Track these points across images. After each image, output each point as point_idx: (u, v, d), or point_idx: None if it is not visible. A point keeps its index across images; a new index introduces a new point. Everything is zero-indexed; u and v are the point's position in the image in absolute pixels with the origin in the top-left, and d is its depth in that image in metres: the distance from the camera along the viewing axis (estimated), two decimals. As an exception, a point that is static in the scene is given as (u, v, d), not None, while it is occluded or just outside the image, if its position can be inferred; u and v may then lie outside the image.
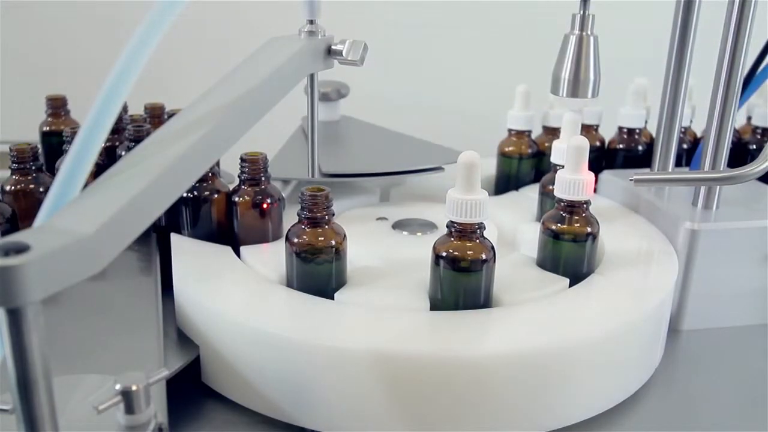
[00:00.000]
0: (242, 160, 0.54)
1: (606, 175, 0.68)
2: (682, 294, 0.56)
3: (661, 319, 0.50)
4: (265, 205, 0.55)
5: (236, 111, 0.37)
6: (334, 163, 0.65)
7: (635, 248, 0.55)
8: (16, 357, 0.25)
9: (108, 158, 0.64)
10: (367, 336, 0.43)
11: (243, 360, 0.45)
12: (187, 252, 0.54)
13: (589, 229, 0.50)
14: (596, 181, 0.63)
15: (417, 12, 1.08)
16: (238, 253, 0.54)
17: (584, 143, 0.49)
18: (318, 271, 0.48)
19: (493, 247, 0.46)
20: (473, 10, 1.09)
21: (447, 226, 0.46)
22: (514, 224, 0.61)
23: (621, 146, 0.73)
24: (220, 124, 0.36)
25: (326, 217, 0.48)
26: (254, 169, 0.54)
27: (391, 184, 0.70)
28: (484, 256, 0.45)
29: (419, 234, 0.58)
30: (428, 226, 0.59)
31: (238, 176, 0.55)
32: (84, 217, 0.28)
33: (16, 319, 0.25)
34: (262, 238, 0.55)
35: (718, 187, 0.57)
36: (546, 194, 0.61)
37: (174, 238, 0.55)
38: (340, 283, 0.49)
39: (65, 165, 0.31)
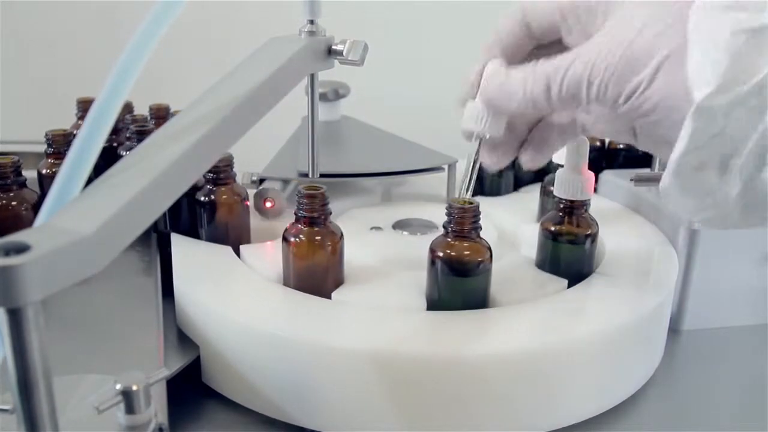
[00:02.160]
0: (299, 194, 0.48)
1: (606, 175, 0.68)
2: (682, 294, 0.56)
3: (661, 319, 0.50)
4: (328, 245, 0.48)
5: (236, 111, 0.37)
6: (334, 163, 0.65)
7: (635, 248, 0.55)
8: (16, 357, 0.25)
9: (107, 158, 0.64)
10: (367, 336, 0.43)
11: (243, 360, 0.45)
12: (187, 252, 0.54)
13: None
14: (596, 181, 0.62)
15: (417, 12, 1.08)
16: (238, 253, 0.54)
17: (584, 142, 0.49)
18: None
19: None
20: (474, 10, 1.08)
21: (555, 203, 0.48)
22: (514, 224, 0.61)
23: (621, 146, 0.73)
24: (220, 124, 0.36)
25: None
26: (312, 207, 0.47)
27: (391, 184, 0.70)
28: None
29: (419, 234, 0.58)
30: (428, 226, 0.59)
31: (295, 213, 0.48)
32: (84, 217, 0.28)
33: (16, 319, 0.25)
34: (321, 280, 0.49)
35: (750, 201, 0.57)
36: (547, 194, 0.61)
37: (174, 238, 0.55)
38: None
39: (65, 165, 0.31)
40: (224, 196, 0.55)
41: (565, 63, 0.37)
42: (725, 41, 0.31)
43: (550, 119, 0.45)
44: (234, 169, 0.55)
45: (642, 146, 0.41)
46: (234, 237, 0.55)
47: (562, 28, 0.40)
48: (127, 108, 0.69)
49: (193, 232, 0.56)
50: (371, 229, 0.59)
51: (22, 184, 0.57)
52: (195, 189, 0.56)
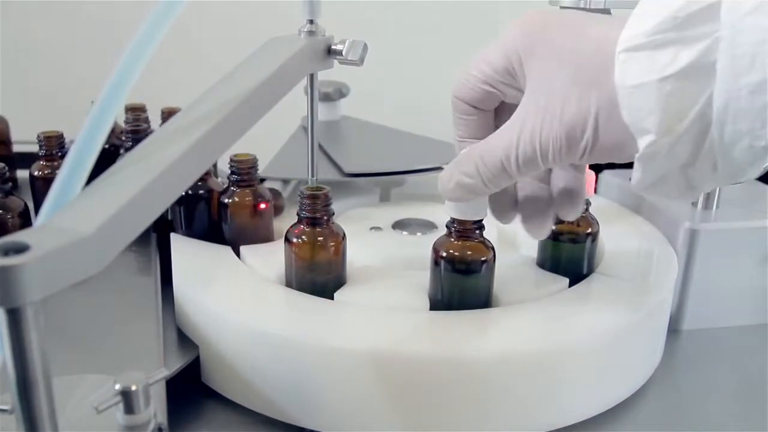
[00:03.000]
0: (302, 196, 0.47)
1: (606, 175, 0.68)
2: (682, 294, 0.56)
3: (661, 319, 0.50)
4: (331, 245, 0.48)
5: (236, 111, 0.37)
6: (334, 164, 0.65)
7: (635, 248, 0.55)
8: (16, 357, 0.25)
9: (107, 158, 0.64)
10: (367, 336, 0.43)
11: (243, 360, 0.45)
12: (187, 252, 0.54)
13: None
14: (596, 181, 0.62)
15: (417, 12, 1.08)
16: (238, 253, 0.54)
17: None
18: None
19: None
20: (474, 10, 1.08)
21: None
22: (514, 224, 0.60)
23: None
24: (220, 124, 0.36)
25: (325, 217, 0.47)
26: (314, 207, 0.47)
27: (391, 184, 0.70)
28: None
29: (419, 234, 0.58)
30: (428, 226, 0.59)
31: (297, 213, 0.48)
32: (84, 216, 0.28)
33: (16, 319, 0.25)
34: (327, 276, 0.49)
35: (717, 187, 0.57)
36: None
37: (174, 238, 0.55)
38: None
39: (65, 165, 0.31)
40: (248, 198, 0.54)
41: (512, 144, 0.37)
42: (656, 89, 0.32)
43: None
44: (258, 171, 0.55)
45: None
46: (258, 239, 0.55)
47: (499, 94, 0.40)
48: (141, 110, 0.69)
49: (208, 235, 0.56)
50: (371, 229, 0.59)
51: (8, 192, 0.55)
52: (209, 191, 0.56)
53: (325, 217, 0.47)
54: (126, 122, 0.65)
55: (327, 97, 0.74)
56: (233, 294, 0.48)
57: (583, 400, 0.45)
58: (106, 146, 0.66)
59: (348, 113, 0.78)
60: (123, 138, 0.64)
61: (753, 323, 0.58)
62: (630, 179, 0.36)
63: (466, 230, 0.45)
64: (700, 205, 0.58)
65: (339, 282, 0.49)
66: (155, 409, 0.35)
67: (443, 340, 0.43)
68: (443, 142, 0.72)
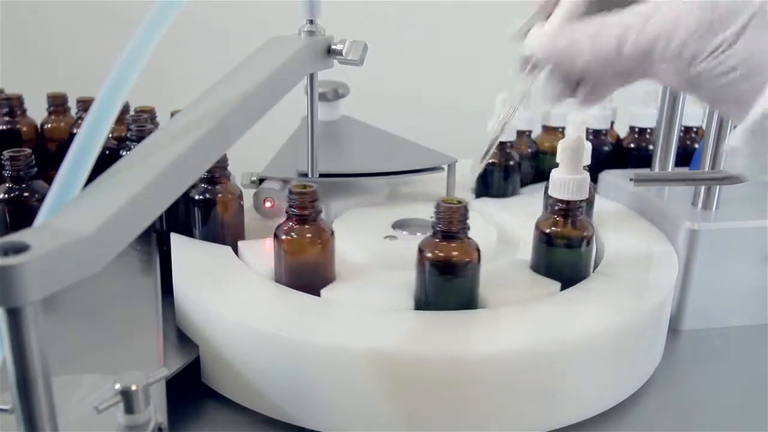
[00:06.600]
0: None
1: (606, 175, 0.68)
2: (682, 294, 0.56)
3: (661, 319, 0.50)
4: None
5: (236, 111, 0.37)
6: (334, 163, 0.65)
7: (635, 248, 0.55)
8: (16, 357, 0.25)
9: (106, 159, 0.64)
10: (366, 336, 0.43)
11: (243, 360, 0.45)
12: (187, 252, 0.54)
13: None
14: (596, 181, 0.62)
15: (417, 12, 1.08)
16: (236, 251, 0.54)
17: (579, 143, 0.49)
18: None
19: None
20: (473, 9, 1.08)
21: (549, 205, 0.48)
22: (514, 225, 0.60)
23: (631, 145, 0.74)
24: (220, 124, 0.36)
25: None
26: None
27: (391, 183, 0.70)
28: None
29: (419, 234, 0.58)
30: (428, 226, 0.59)
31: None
32: (84, 217, 0.28)
33: (15, 318, 0.25)
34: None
35: (718, 187, 0.57)
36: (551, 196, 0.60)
37: (174, 238, 0.55)
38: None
39: (65, 165, 0.31)
40: (219, 195, 0.55)
41: (640, 19, 0.34)
42: None
43: None
44: (228, 168, 0.56)
45: (702, 99, 0.37)
46: (229, 236, 0.56)
47: None
48: (149, 113, 0.69)
49: (188, 232, 0.57)
50: (372, 229, 0.59)
51: None
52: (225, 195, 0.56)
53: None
54: (126, 123, 0.65)
55: (326, 97, 0.74)
56: (233, 294, 0.48)
57: (583, 400, 0.45)
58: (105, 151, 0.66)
59: (348, 113, 0.78)
60: (115, 142, 0.64)
61: (753, 323, 0.58)
62: (631, 178, 0.35)
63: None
64: (700, 205, 0.58)
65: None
66: (155, 409, 0.35)
67: (442, 340, 0.43)
68: (443, 141, 0.72)
